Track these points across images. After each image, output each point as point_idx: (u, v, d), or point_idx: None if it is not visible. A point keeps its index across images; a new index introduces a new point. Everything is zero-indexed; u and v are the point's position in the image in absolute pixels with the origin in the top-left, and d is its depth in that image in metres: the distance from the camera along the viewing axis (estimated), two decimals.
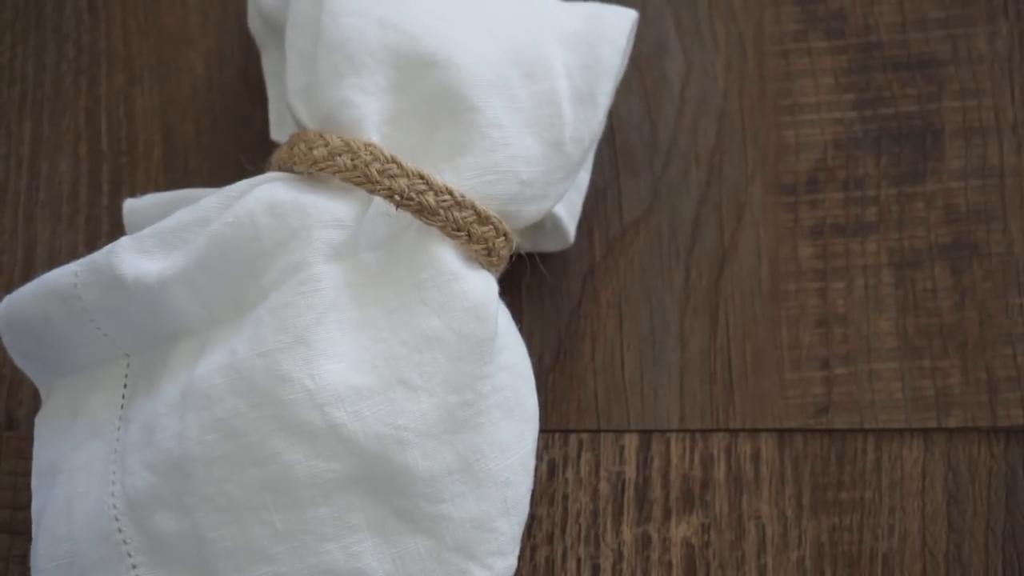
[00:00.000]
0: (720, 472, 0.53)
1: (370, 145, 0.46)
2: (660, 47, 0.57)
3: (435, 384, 0.47)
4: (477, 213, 0.47)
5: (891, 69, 0.57)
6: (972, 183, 0.55)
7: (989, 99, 0.56)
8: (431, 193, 0.46)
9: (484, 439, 0.48)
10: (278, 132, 0.55)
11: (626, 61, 0.54)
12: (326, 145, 0.47)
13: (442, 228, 0.47)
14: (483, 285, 0.47)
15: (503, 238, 0.48)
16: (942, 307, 0.54)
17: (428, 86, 0.48)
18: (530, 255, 0.53)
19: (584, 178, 0.54)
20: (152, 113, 0.58)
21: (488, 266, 0.48)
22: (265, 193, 0.47)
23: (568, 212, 0.54)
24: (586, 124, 0.50)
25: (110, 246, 0.48)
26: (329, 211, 0.47)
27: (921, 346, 0.54)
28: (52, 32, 0.59)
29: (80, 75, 0.58)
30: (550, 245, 0.54)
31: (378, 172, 0.46)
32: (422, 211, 0.46)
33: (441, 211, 0.46)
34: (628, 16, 0.54)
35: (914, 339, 0.54)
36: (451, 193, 0.46)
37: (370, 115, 0.48)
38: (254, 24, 0.55)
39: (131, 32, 0.58)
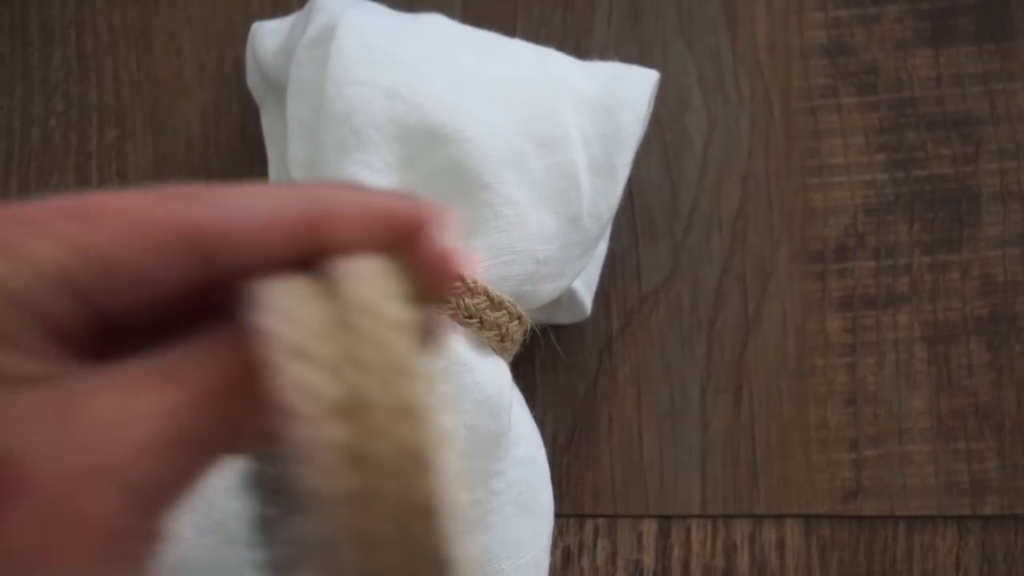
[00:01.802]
0: (744, 561, 0.50)
1: None
2: (682, 102, 0.54)
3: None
4: (490, 298, 0.44)
5: (925, 128, 0.54)
6: (1011, 251, 0.52)
7: None
8: None
9: (497, 538, 0.45)
10: None
11: (647, 123, 0.51)
12: None
13: (453, 316, 0.44)
14: (496, 375, 0.45)
15: (517, 321, 0.46)
16: (978, 385, 0.51)
17: (438, 161, 0.45)
18: (544, 329, 0.50)
19: (602, 248, 0.51)
20: (145, 170, 0.55)
21: (501, 351, 0.46)
22: None
23: (584, 284, 0.51)
24: (604, 197, 0.47)
25: None
26: None
27: (956, 427, 0.51)
28: (40, 83, 0.56)
29: (70, 129, 0.55)
30: (565, 317, 0.51)
31: None
32: None
33: (452, 298, 0.44)
34: (649, 78, 0.51)
35: (948, 419, 0.51)
36: (463, 279, 0.44)
37: None
38: (253, 81, 0.52)
39: (123, 84, 0.55)
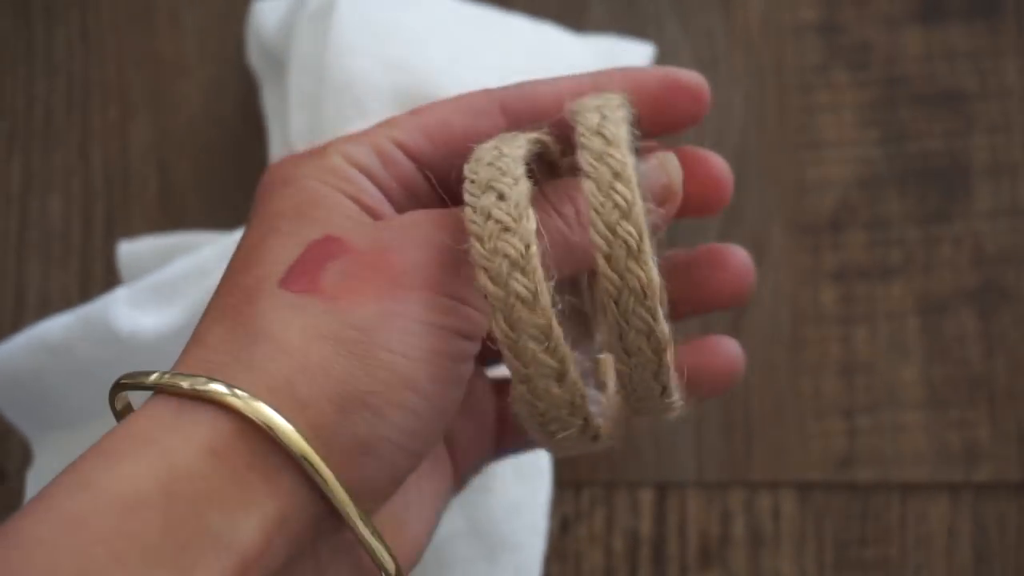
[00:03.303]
0: (739, 528, 0.51)
1: None
2: None
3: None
4: None
5: (917, 104, 0.54)
6: (1001, 224, 0.53)
7: (1020, 135, 0.54)
8: None
9: (496, 500, 0.46)
10: None
11: None
12: None
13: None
14: None
15: None
16: (970, 355, 0.52)
17: None
18: None
19: None
20: (147, 148, 0.55)
21: None
22: None
23: None
24: None
25: (105, 298, 0.46)
26: None
27: (948, 396, 0.52)
28: (43, 62, 0.56)
29: (72, 108, 0.56)
30: None
31: None
32: None
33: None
34: (644, 52, 0.52)
35: (941, 388, 0.52)
36: None
37: None
38: (254, 57, 0.53)
39: (125, 61, 0.56)
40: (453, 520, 0.45)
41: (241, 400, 0.28)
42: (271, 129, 0.52)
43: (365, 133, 0.35)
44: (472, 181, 0.31)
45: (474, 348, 0.32)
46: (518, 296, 0.30)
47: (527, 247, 0.30)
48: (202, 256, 0.46)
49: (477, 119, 0.35)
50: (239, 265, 0.32)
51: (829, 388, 0.52)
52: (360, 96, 0.46)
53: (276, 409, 0.29)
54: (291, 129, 0.48)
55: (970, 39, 0.55)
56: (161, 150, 0.55)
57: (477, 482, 0.45)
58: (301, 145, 0.48)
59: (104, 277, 0.54)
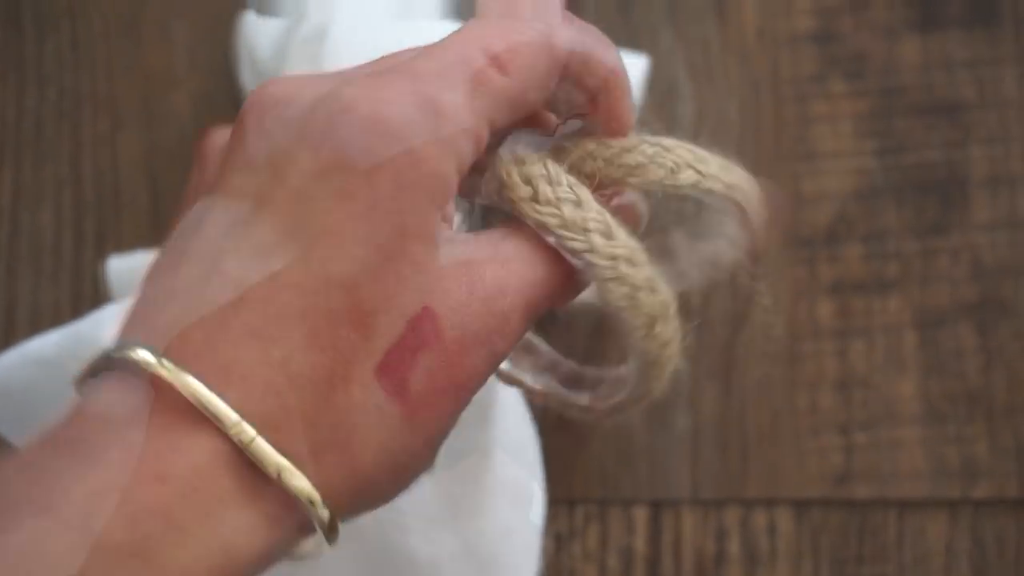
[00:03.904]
0: (735, 546, 0.50)
1: None
2: (670, 90, 0.54)
3: (436, 469, 0.44)
4: None
5: (914, 114, 0.54)
6: (1000, 236, 0.53)
7: (1018, 145, 0.53)
8: None
9: (489, 525, 0.45)
10: None
11: (636, 111, 0.51)
12: None
13: None
14: None
15: None
16: (968, 369, 0.51)
17: None
18: None
19: None
20: (138, 160, 0.55)
21: None
22: None
23: None
24: None
25: (95, 316, 0.46)
26: None
27: (946, 411, 0.51)
28: (33, 73, 0.56)
29: (63, 119, 0.55)
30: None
31: None
32: None
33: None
34: (639, 66, 0.51)
35: (938, 404, 0.51)
36: None
37: None
38: (246, 76, 0.53)
39: (116, 73, 0.56)
40: (446, 542, 0.44)
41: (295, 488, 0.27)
42: None
43: (469, 96, 0.29)
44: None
45: None
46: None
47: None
48: None
49: (544, 94, 0.31)
50: (350, 293, 0.28)
51: (825, 403, 0.51)
52: None
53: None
54: None
55: (968, 48, 0.54)
56: (152, 162, 0.55)
57: (469, 508, 0.45)
58: None
59: (95, 291, 0.53)
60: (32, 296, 0.53)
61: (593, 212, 0.30)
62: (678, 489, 0.51)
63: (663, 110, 0.54)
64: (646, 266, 0.31)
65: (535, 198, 0.30)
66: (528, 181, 0.30)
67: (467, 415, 0.44)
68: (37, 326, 0.52)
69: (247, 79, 0.52)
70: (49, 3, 0.56)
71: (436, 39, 0.49)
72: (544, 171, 0.31)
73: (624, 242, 0.30)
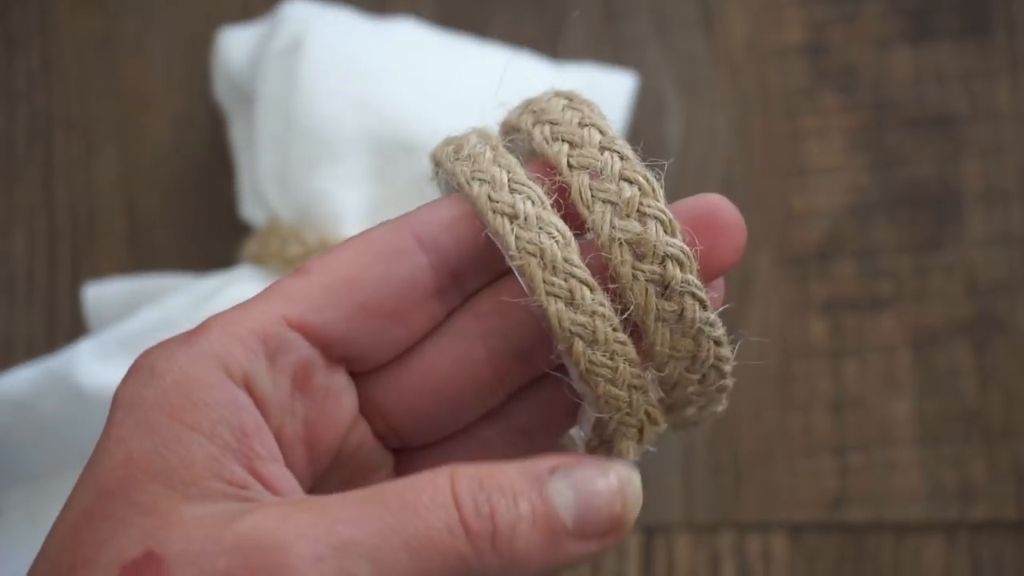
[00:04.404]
0: (729, 571, 0.49)
1: None
2: (658, 105, 0.53)
3: None
4: None
5: (906, 128, 0.53)
6: (994, 252, 0.52)
7: (1012, 159, 0.52)
8: None
9: None
10: (249, 206, 0.51)
11: (623, 129, 0.50)
12: (302, 243, 0.43)
13: None
14: None
15: None
16: (964, 388, 0.51)
17: (410, 172, 0.44)
18: None
19: None
20: (113, 183, 0.53)
21: None
22: (237, 295, 0.43)
23: None
24: None
25: (70, 351, 0.45)
26: None
27: (942, 432, 0.50)
28: (3, 93, 0.54)
29: (34, 141, 0.54)
30: None
31: None
32: None
33: None
34: (625, 83, 0.50)
35: (934, 424, 0.50)
36: None
37: (348, 207, 0.44)
38: (221, 90, 0.51)
39: (89, 92, 0.54)
40: None
41: None
42: (239, 164, 0.51)
43: (245, 310, 0.27)
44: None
45: None
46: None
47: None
48: (169, 307, 0.44)
49: (393, 264, 0.27)
50: (55, 558, 0.25)
51: (819, 425, 0.50)
52: (330, 139, 0.44)
53: None
54: (260, 170, 0.46)
55: (960, 59, 0.53)
56: (128, 185, 0.54)
57: None
58: (271, 189, 0.46)
59: (71, 319, 0.52)
60: (5, 324, 0.52)
61: None
62: (670, 514, 0.50)
63: (651, 126, 0.53)
64: None
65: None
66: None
67: None
68: (11, 354, 0.51)
69: (222, 92, 0.51)
70: (19, 19, 0.55)
71: (411, 48, 0.48)
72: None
73: None
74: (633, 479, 0.27)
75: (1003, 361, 0.51)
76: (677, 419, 0.29)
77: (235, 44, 0.50)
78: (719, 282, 0.29)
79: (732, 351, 0.29)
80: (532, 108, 0.28)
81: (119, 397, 0.26)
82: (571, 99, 0.28)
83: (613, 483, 0.27)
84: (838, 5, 0.53)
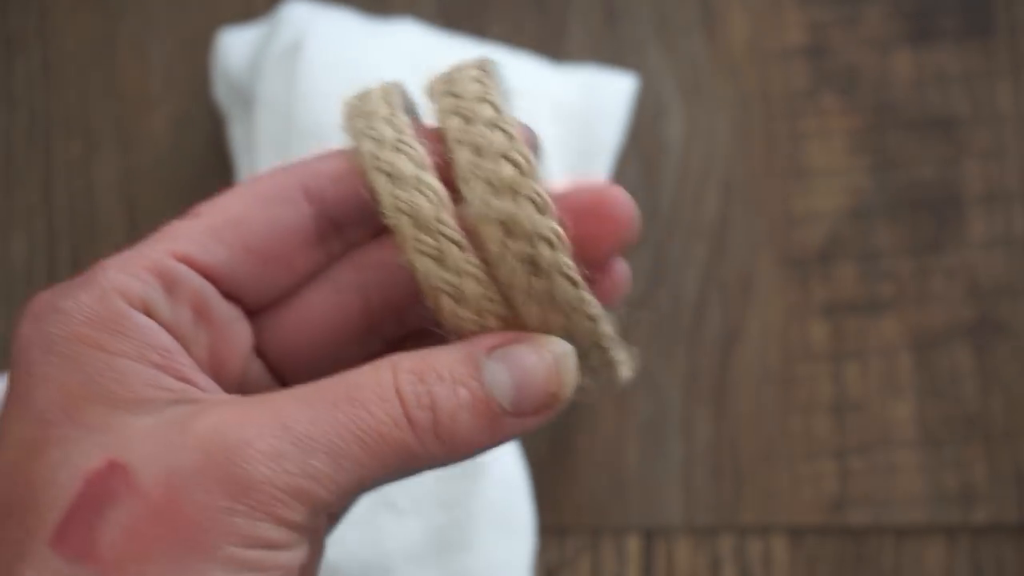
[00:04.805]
0: (729, 575, 0.49)
1: None
2: (659, 107, 0.53)
3: (423, 504, 0.43)
4: None
5: (907, 130, 0.53)
6: (996, 254, 0.51)
7: (1013, 161, 0.52)
8: None
9: (476, 560, 0.44)
10: None
11: (624, 131, 0.50)
12: None
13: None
14: None
15: None
16: (965, 391, 0.50)
17: None
18: None
19: None
20: (113, 184, 0.53)
21: None
22: None
23: None
24: None
25: None
26: None
27: (943, 435, 0.50)
28: (2, 95, 0.54)
29: (34, 143, 0.54)
30: None
31: None
32: None
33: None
34: (626, 85, 0.50)
35: (935, 427, 0.50)
36: None
37: None
38: (220, 91, 0.51)
39: (89, 94, 0.54)
40: None
41: None
42: (239, 165, 0.50)
43: (138, 251, 0.28)
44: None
45: None
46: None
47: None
48: None
49: (277, 210, 0.28)
50: (4, 493, 0.26)
51: (820, 428, 0.50)
52: (329, 141, 0.44)
53: None
54: (259, 172, 0.46)
55: (961, 61, 0.53)
56: (128, 187, 0.53)
57: (457, 539, 0.44)
58: None
59: None
60: (5, 325, 0.52)
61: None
62: (671, 516, 0.50)
63: (652, 127, 0.53)
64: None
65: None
66: None
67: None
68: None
69: (221, 93, 0.51)
70: (18, 22, 0.55)
71: (411, 49, 0.48)
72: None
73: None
74: (568, 356, 0.27)
75: (1004, 363, 0.51)
76: None
77: (234, 45, 0.50)
78: (618, 266, 0.29)
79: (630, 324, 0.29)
80: (447, 76, 0.28)
81: (24, 339, 0.26)
82: (482, 70, 0.28)
83: (548, 360, 0.27)
84: (839, 6, 0.53)
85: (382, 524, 0.42)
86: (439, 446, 0.26)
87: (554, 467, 0.50)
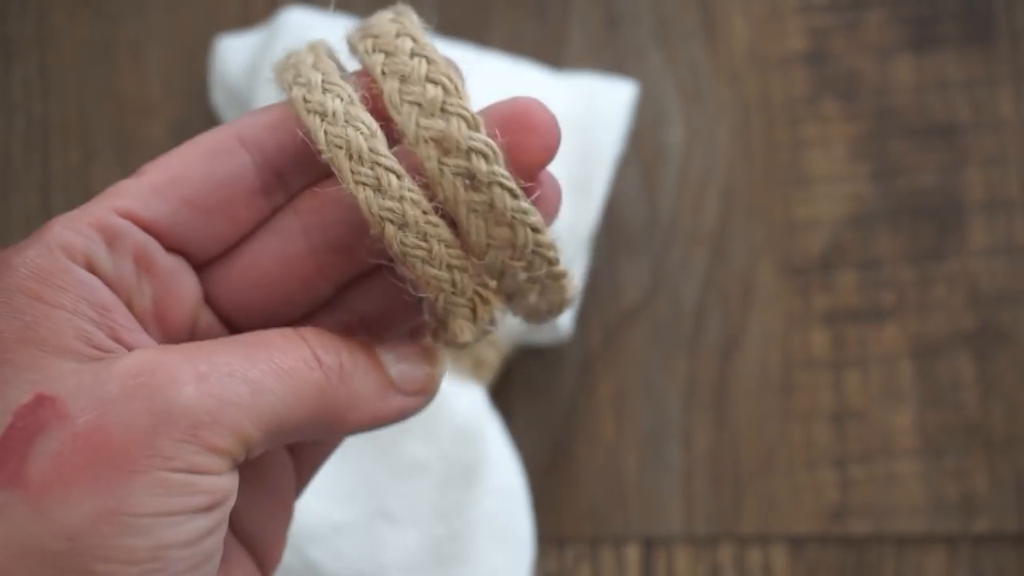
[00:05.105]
0: None
1: None
2: (659, 113, 0.53)
3: (420, 514, 0.43)
4: None
5: (908, 136, 0.52)
6: (997, 262, 0.51)
7: (1015, 168, 0.52)
8: None
9: (475, 571, 0.44)
10: None
11: (624, 138, 0.50)
12: None
13: None
14: (470, 403, 0.44)
15: (491, 348, 0.44)
16: (966, 401, 0.50)
17: None
18: (521, 351, 0.49)
19: (581, 267, 0.50)
20: None
21: (475, 378, 0.45)
22: None
23: None
24: (582, 215, 0.46)
25: None
26: None
27: (944, 444, 0.50)
28: (0, 102, 0.54)
29: (31, 150, 0.54)
30: (544, 337, 0.50)
31: None
32: None
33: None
34: (626, 93, 0.50)
35: (936, 436, 0.50)
36: None
37: None
38: (218, 98, 0.51)
39: (87, 101, 0.54)
40: None
41: None
42: None
43: (83, 209, 0.29)
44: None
45: (221, 516, 0.28)
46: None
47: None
48: None
49: (217, 162, 0.29)
50: None
51: (820, 436, 0.50)
52: None
53: None
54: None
55: (963, 67, 0.53)
56: None
57: (455, 550, 0.43)
58: None
59: None
60: None
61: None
62: (670, 526, 0.50)
63: (652, 134, 0.53)
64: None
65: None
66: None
67: (453, 456, 0.43)
68: None
69: (219, 100, 0.51)
70: (16, 29, 0.55)
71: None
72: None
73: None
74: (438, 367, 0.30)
75: (1005, 372, 0.50)
76: (524, 308, 0.30)
77: (233, 52, 0.50)
78: (547, 179, 0.29)
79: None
80: (364, 23, 0.30)
81: None
82: (397, 13, 0.29)
83: (423, 356, 0.30)
84: (840, 13, 0.53)
85: (379, 535, 0.42)
86: (343, 388, 0.28)
87: (553, 476, 0.50)
